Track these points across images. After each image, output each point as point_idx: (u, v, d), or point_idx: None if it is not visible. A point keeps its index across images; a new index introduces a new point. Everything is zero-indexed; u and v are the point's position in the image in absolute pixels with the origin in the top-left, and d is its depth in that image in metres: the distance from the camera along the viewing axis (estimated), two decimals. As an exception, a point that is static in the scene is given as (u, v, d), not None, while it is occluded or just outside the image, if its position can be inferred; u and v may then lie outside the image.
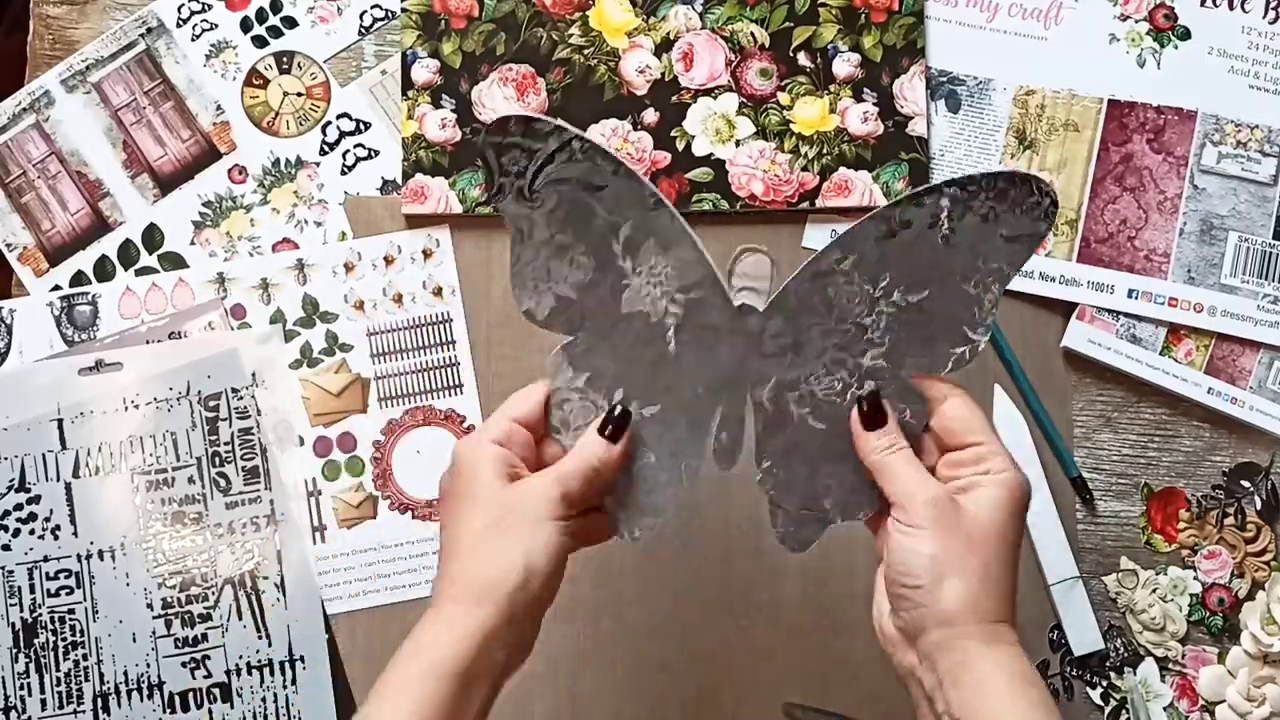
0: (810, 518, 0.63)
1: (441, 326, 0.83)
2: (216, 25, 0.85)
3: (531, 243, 0.62)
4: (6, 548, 0.80)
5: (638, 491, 0.63)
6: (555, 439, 0.63)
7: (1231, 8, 0.85)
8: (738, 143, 0.83)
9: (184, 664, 0.80)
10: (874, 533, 0.62)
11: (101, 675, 0.80)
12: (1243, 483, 0.84)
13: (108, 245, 0.84)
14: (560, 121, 0.60)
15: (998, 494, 0.58)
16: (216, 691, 0.80)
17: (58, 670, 0.79)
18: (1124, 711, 0.83)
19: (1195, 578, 0.83)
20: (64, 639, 0.80)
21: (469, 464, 0.60)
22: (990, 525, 0.57)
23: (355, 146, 0.85)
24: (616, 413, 0.62)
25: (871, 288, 0.60)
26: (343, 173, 0.84)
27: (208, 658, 0.80)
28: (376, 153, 0.85)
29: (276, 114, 0.85)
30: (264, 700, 0.80)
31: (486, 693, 0.58)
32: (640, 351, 0.62)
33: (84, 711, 0.79)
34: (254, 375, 0.82)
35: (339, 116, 0.85)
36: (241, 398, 0.82)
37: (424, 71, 0.83)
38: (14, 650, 0.79)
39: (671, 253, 0.61)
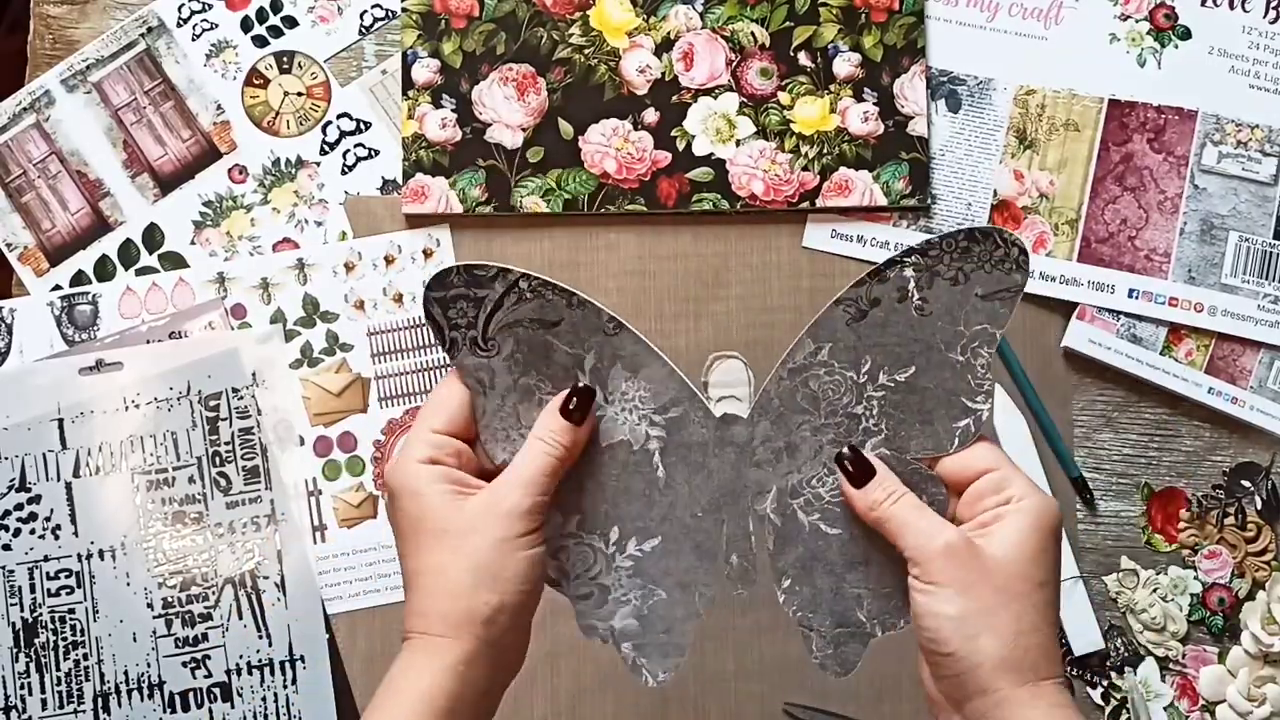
0: (847, 635, 0.58)
1: (442, 326, 0.83)
2: (217, 25, 0.85)
3: (495, 392, 0.58)
4: (7, 547, 0.80)
5: (654, 632, 0.59)
6: (559, 589, 0.59)
7: (1232, 7, 0.85)
8: (738, 142, 0.83)
9: (184, 664, 0.80)
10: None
11: (102, 675, 0.80)
12: (1243, 482, 0.84)
13: (108, 245, 0.84)
14: (502, 264, 0.57)
15: (1023, 524, 0.52)
16: (217, 691, 0.80)
17: (58, 670, 0.79)
18: (1124, 711, 0.83)
19: (1196, 577, 0.83)
20: (64, 639, 0.80)
21: (407, 492, 0.55)
22: (1016, 566, 0.52)
23: (355, 146, 0.85)
24: (580, 387, 0.57)
25: (855, 374, 0.57)
26: (343, 172, 0.84)
27: (208, 657, 0.80)
28: (377, 152, 0.85)
29: (277, 114, 0.85)
30: (264, 700, 0.80)
31: (482, 711, 0.55)
32: (629, 483, 0.59)
33: (84, 711, 0.79)
34: (254, 375, 0.82)
35: (339, 116, 0.85)
36: (242, 397, 0.82)
37: (424, 71, 0.83)
38: (14, 650, 0.79)
39: (642, 374, 0.58)
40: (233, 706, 0.80)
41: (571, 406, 0.56)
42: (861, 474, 0.56)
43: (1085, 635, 0.82)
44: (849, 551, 0.58)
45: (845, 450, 0.56)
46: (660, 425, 0.59)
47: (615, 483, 0.59)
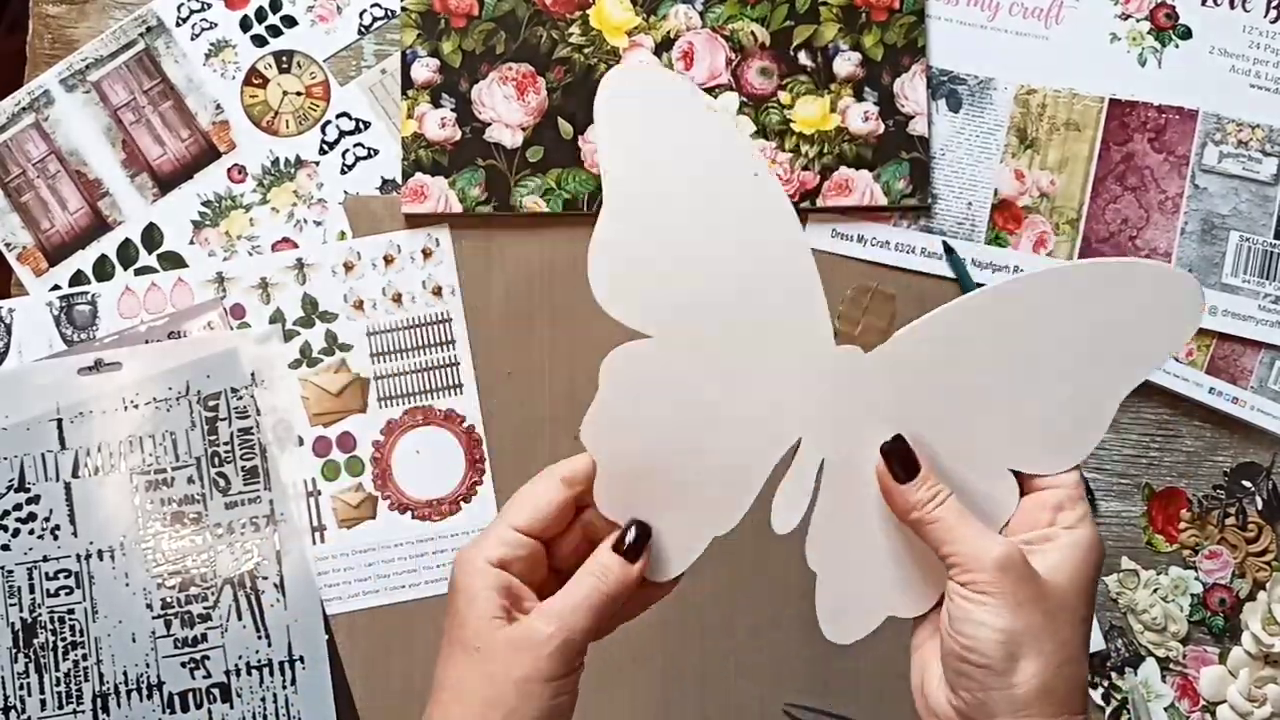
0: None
1: (441, 326, 0.83)
2: (216, 24, 0.85)
3: None
4: (6, 548, 0.80)
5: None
6: None
7: (1233, 7, 0.85)
8: (738, 142, 0.83)
9: (184, 664, 0.80)
10: None
11: (101, 675, 0.79)
12: (1244, 483, 0.84)
13: (107, 245, 0.84)
14: None
15: (1078, 555, 0.50)
16: (216, 691, 0.80)
17: (57, 670, 0.79)
18: (1125, 712, 0.82)
19: (1196, 578, 0.83)
20: (63, 639, 0.79)
21: (464, 592, 0.52)
22: (1067, 596, 0.50)
23: (355, 146, 0.85)
24: (634, 528, 0.54)
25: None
26: (342, 172, 0.84)
27: (207, 658, 0.80)
28: (376, 152, 0.84)
29: (276, 113, 0.85)
30: (264, 700, 0.80)
31: None
32: None
33: (83, 711, 0.79)
34: (253, 375, 0.82)
35: (338, 116, 0.85)
36: (241, 398, 0.81)
37: (424, 70, 0.83)
38: (13, 650, 0.79)
39: None
40: (232, 707, 0.80)
41: (625, 548, 0.54)
42: (907, 469, 0.53)
43: (1086, 636, 0.82)
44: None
45: (891, 440, 0.54)
46: None
47: None
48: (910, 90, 0.84)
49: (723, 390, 0.55)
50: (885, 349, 0.54)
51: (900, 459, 0.53)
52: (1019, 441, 0.54)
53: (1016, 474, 0.54)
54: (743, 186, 0.54)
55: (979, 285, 0.83)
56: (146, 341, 0.82)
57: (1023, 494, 0.54)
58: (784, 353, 0.55)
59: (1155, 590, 0.83)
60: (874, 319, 0.54)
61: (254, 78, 0.85)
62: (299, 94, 0.85)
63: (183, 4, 0.85)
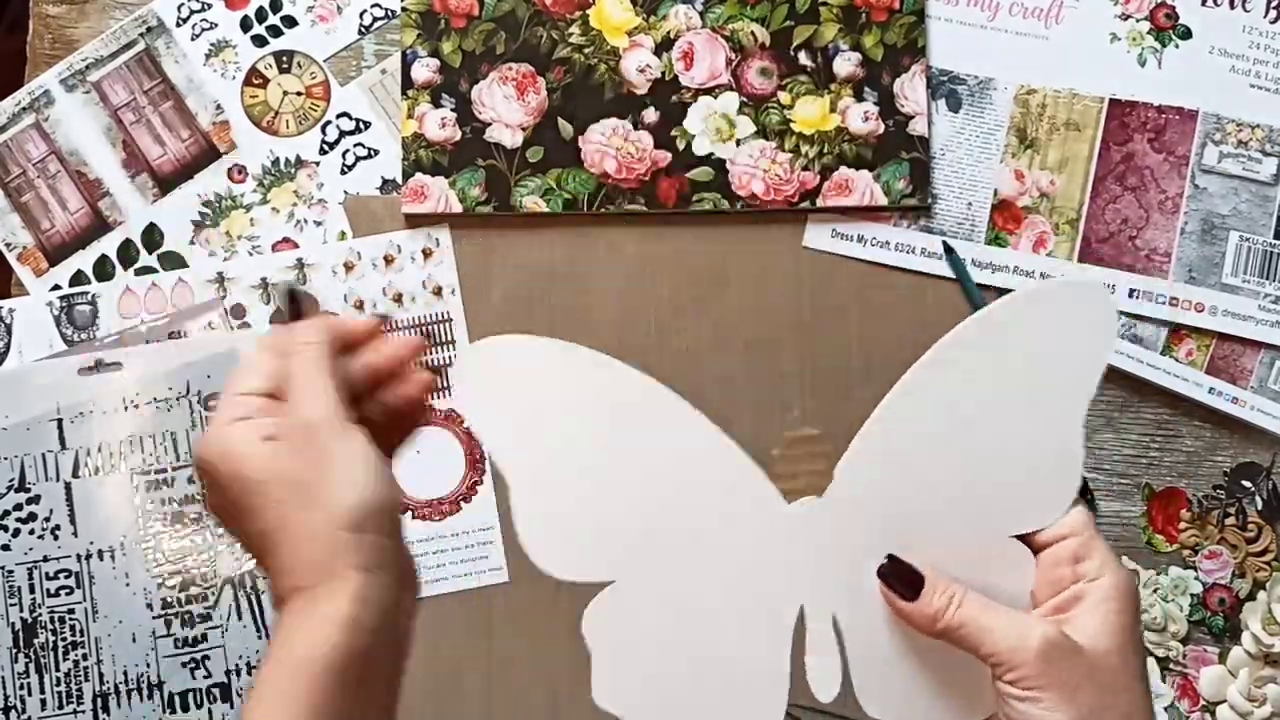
0: None
1: (441, 326, 0.83)
2: (216, 24, 0.85)
3: None
4: (6, 548, 0.80)
5: None
6: None
7: (1233, 7, 0.85)
8: (738, 142, 0.83)
9: (184, 664, 0.80)
10: None
11: (101, 675, 0.79)
12: (1244, 483, 0.84)
13: (107, 245, 0.84)
14: None
15: (1111, 607, 0.48)
16: (216, 691, 0.80)
17: (57, 670, 0.79)
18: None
19: (1196, 578, 0.83)
20: (64, 639, 0.80)
21: (221, 458, 0.48)
22: (1114, 657, 0.47)
23: (355, 146, 0.85)
24: (285, 289, 0.53)
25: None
26: (342, 172, 0.84)
27: (207, 658, 0.80)
28: (376, 152, 0.84)
29: (276, 113, 0.85)
30: (264, 700, 0.80)
31: (393, 654, 0.49)
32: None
33: (84, 711, 0.79)
34: (254, 375, 0.82)
35: (339, 116, 0.85)
36: (241, 397, 0.81)
37: (424, 70, 0.83)
38: (14, 650, 0.79)
39: None
40: (232, 707, 0.80)
41: (286, 312, 0.52)
42: (910, 585, 0.50)
43: (1086, 636, 0.82)
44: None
45: (884, 563, 0.51)
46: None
47: None
48: (910, 90, 0.84)
49: (705, 601, 0.54)
50: (837, 483, 0.53)
51: (900, 578, 0.51)
52: (1007, 506, 0.52)
53: (1023, 539, 0.53)
54: (633, 412, 0.53)
55: (979, 285, 0.83)
56: (147, 341, 0.82)
57: (1036, 548, 0.52)
58: (745, 537, 0.53)
59: (1155, 590, 0.83)
60: (809, 464, 0.54)
61: (254, 78, 0.85)
62: (299, 94, 0.85)
63: (183, 4, 0.85)
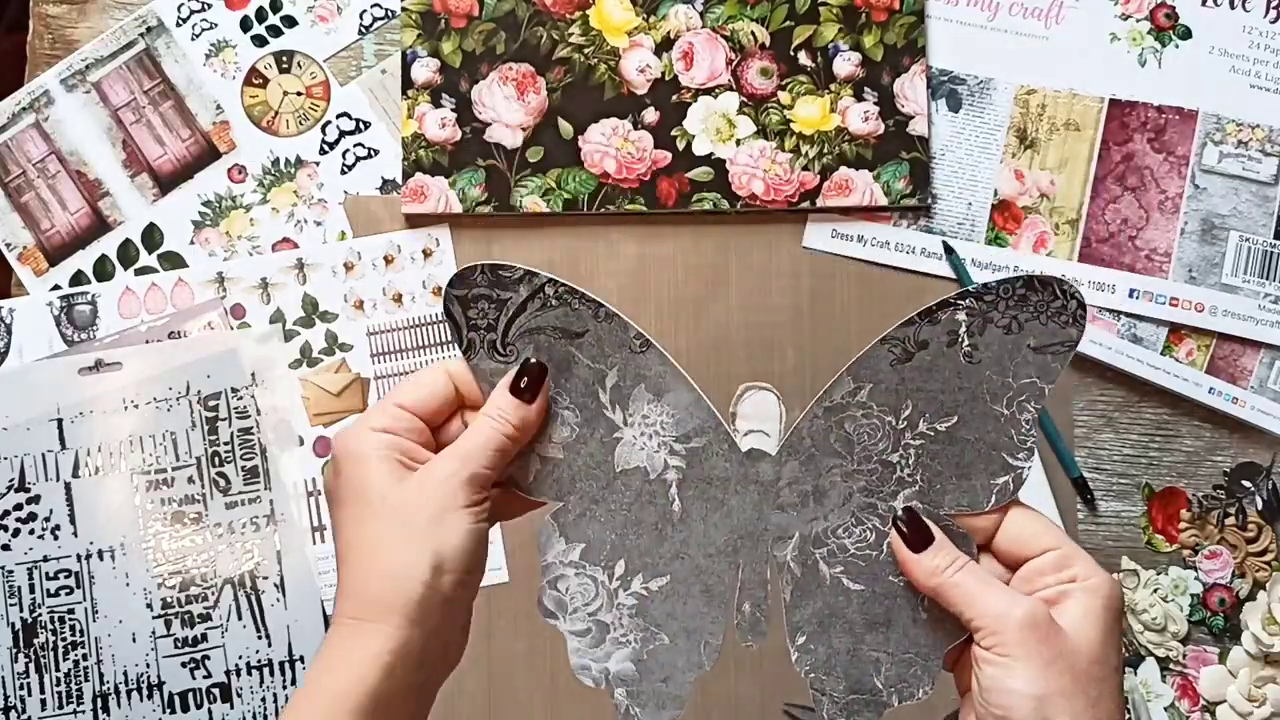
0: (861, 702, 0.55)
1: (441, 326, 0.83)
2: (216, 24, 0.85)
3: None
4: (6, 548, 0.80)
5: (652, 679, 0.55)
6: (550, 623, 0.56)
7: (1233, 7, 0.85)
8: (738, 142, 0.83)
9: (184, 664, 0.80)
10: (950, 668, 0.54)
11: (101, 675, 0.79)
12: (1244, 483, 0.84)
13: (107, 245, 0.84)
14: (529, 267, 0.54)
15: (1096, 605, 0.49)
16: (216, 691, 0.80)
17: (57, 670, 0.79)
18: (1125, 712, 0.82)
19: (1196, 578, 0.83)
20: (64, 639, 0.80)
21: (352, 458, 0.51)
22: (1093, 649, 0.49)
23: (355, 146, 0.85)
24: (531, 364, 0.53)
25: (894, 419, 0.54)
26: (342, 172, 0.84)
27: (207, 658, 0.80)
28: (376, 152, 0.85)
29: (276, 113, 0.85)
30: (264, 700, 0.80)
31: (412, 709, 0.51)
32: (640, 514, 0.55)
33: (84, 711, 0.79)
34: (253, 375, 0.82)
35: (339, 116, 0.85)
36: (241, 397, 0.81)
37: (424, 70, 0.83)
38: (14, 650, 0.79)
39: (666, 398, 0.55)
40: (232, 707, 0.80)
41: (523, 385, 0.53)
42: (919, 539, 0.52)
43: (1086, 636, 0.82)
44: (870, 610, 0.55)
45: (901, 512, 0.53)
46: (681, 455, 0.55)
47: (626, 512, 0.55)
48: (910, 90, 0.84)
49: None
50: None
51: (912, 528, 0.53)
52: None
53: (1005, 554, 0.54)
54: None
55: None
56: (147, 341, 0.82)
57: (1013, 567, 0.53)
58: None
59: (1155, 590, 0.83)
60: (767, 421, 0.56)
61: (254, 78, 0.85)
62: (299, 94, 0.85)
63: (183, 4, 0.85)
